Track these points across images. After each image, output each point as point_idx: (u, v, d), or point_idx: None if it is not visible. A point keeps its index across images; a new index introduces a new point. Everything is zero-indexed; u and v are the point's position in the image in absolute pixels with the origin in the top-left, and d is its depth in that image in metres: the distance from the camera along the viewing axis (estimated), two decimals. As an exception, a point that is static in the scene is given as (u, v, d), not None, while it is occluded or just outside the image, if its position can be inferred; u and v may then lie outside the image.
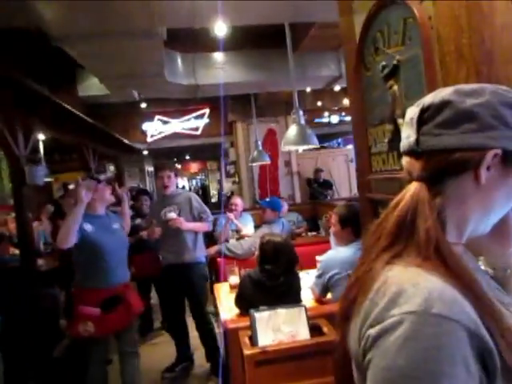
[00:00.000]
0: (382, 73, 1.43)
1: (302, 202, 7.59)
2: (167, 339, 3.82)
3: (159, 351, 3.77)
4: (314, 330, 1.77)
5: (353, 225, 2.25)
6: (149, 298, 4.35)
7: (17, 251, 3.68)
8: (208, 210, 3.36)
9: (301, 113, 2.84)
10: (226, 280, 3.17)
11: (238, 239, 4.32)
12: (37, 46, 3.59)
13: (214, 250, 3.76)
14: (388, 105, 1.42)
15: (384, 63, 1.43)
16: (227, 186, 13.87)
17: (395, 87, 1.36)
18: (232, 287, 2.92)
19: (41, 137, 4.91)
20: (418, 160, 0.65)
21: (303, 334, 1.72)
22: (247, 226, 4.70)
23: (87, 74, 4.73)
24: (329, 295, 2.30)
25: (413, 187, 0.64)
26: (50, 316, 3.59)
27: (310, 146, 2.99)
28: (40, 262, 3.75)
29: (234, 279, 2.95)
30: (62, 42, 2.93)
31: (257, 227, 4.58)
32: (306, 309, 1.80)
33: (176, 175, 3.34)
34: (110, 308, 2.44)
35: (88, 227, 2.41)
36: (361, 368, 0.57)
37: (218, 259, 3.65)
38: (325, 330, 1.75)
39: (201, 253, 3.32)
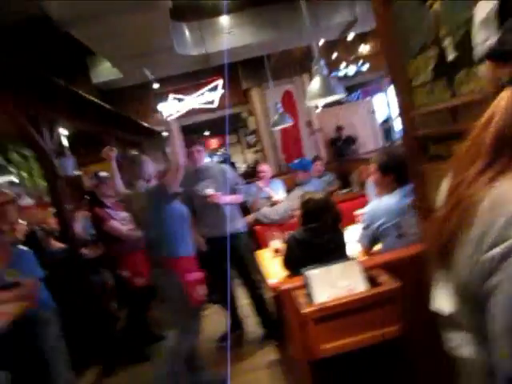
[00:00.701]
0: (419, -8, 1.29)
1: (329, 161, 7.45)
2: (215, 310, 3.89)
3: (210, 322, 3.85)
4: (371, 281, 1.71)
5: (394, 171, 2.15)
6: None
7: (59, 244, 3.77)
8: (240, 181, 3.35)
9: (322, 62, 2.68)
10: (266, 247, 3.16)
11: (271, 206, 4.28)
12: (47, 40, 3.54)
13: (250, 218, 3.72)
14: (429, 28, 1.28)
15: (420, -19, 1.28)
16: (250, 156, 13.80)
17: (437, 4, 1.22)
18: (275, 252, 2.90)
19: (64, 132, 4.95)
20: (506, 63, 0.56)
21: (361, 286, 1.67)
22: (278, 192, 4.66)
23: (99, 60, 4.67)
24: (376, 246, 2.23)
25: (505, 96, 0.55)
26: (101, 301, 3.71)
27: (337, 97, 2.84)
28: (85, 250, 3.84)
29: (276, 243, 2.93)
30: (69, 26, 2.86)
31: (288, 191, 4.52)
32: (359, 261, 1.75)
33: (204, 149, 3.32)
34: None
35: None
36: (478, 297, 0.51)
37: (256, 227, 3.63)
38: (382, 279, 1.69)
39: (240, 223, 3.32)
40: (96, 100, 3.55)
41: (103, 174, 3.52)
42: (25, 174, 5.44)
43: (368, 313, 1.60)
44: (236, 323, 3.47)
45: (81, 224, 4.14)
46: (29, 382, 2.40)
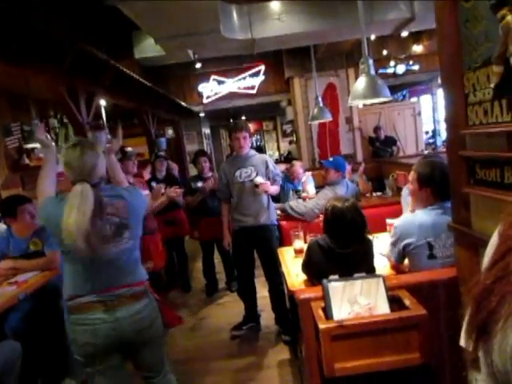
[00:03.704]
0: (491, 0, 1.16)
1: (365, 161, 7.22)
2: (233, 299, 3.89)
3: (226, 311, 3.85)
4: (394, 302, 1.62)
5: (434, 185, 2.00)
6: (213, 259, 4.42)
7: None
8: (280, 173, 3.31)
9: (371, 62, 2.54)
10: (290, 244, 3.09)
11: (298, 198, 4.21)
12: (93, 10, 3.55)
13: (276, 206, 3.65)
14: (497, 41, 1.15)
15: (493, -12, 1.15)
16: (283, 145, 13.65)
17: (509, 17, 1.09)
18: (297, 252, 2.82)
19: (103, 103, 5.01)
20: None
21: (382, 307, 1.58)
22: (307, 187, 4.56)
23: (143, 36, 4.67)
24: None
25: None
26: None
27: (381, 99, 2.70)
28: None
29: (299, 244, 2.84)
30: (116, 0, 2.84)
31: (317, 188, 4.41)
32: (384, 279, 1.65)
33: (250, 135, 3.21)
34: None
35: None
36: None
37: (282, 222, 3.55)
38: (406, 302, 1.59)
39: (274, 215, 3.29)
40: (136, 76, 3.55)
41: (129, 149, 3.51)
42: (61, 141, 5.56)
43: (389, 336, 1.52)
44: (253, 315, 3.44)
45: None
46: (42, 355, 2.41)
